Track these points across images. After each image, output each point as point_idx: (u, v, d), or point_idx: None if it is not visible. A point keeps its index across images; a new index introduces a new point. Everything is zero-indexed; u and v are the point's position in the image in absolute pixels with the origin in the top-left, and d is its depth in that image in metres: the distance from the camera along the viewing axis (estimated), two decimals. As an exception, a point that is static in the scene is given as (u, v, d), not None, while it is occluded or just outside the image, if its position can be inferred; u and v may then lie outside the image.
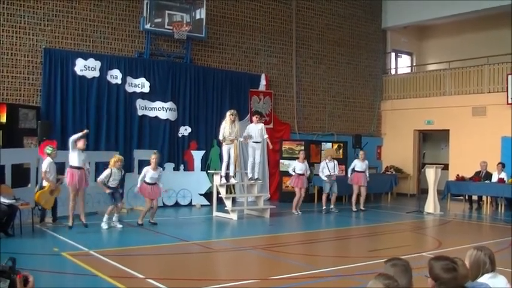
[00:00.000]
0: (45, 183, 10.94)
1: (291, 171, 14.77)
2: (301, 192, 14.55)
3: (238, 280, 7.20)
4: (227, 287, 6.95)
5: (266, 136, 14.15)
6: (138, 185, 11.73)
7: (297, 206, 14.56)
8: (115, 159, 11.46)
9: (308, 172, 14.93)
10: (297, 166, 14.61)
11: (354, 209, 15.31)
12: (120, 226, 11.43)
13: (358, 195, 15.53)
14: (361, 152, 15.89)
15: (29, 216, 10.79)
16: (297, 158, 15.11)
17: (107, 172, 11.34)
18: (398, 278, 3.42)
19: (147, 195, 11.74)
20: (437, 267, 3.63)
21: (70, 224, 10.83)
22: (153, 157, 11.80)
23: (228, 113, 13.41)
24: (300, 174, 14.53)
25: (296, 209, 14.52)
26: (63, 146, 13.29)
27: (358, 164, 15.49)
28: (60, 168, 11.53)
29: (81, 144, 11.05)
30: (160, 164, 15.28)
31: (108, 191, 11.26)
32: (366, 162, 15.66)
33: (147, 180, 11.69)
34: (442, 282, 3.57)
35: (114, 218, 11.52)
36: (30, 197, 10.71)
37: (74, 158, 11.04)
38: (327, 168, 15.01)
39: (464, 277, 3.83)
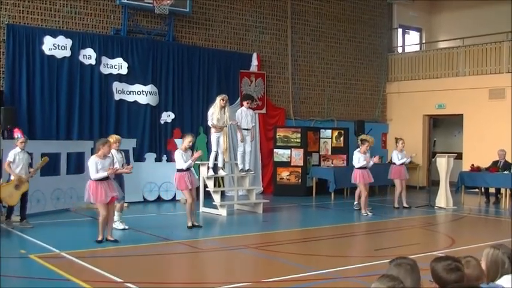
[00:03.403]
0: (13, 177, 10.82)
1: (356, 164, 13.78)
2: (366, 187, 13.73)
3: (229, 283, 7.19)
4: (216, 291, 6.95)
5: (253, 125, 13.98)
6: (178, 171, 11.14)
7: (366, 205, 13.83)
8: (113, 139, 10.49)
9: (371, 163, 13.89)
10: (360, 158, 13.76)
11: (396, 205, 14.90)
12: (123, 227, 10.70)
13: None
14: (400, 141, 15.20)
15: (-8, 214, 10.76)
16: (295, 146, 14.88)
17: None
18: (403, 279, 3.43)
19: (184, 186, 11.12)
20: (439, 268, 3.66)
21: (100, 238, 9.61)
22: (189, 139, 11.24)
23: (218, 98, 13.13)
24: (362, 168, 13.76)
25: (366, 208, 13.80)
26: (30, 135, 13.23)
27: (400, 155, 14.95)
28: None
29: (106, 149, 9.59)
30: (140, 154, 15.35)
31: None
32: (404, 152, 15.14)
33: (183, 166, 11.11)
34: (448, 284, 3.58)
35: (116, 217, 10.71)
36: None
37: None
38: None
39: (477, 278, 3.84)
